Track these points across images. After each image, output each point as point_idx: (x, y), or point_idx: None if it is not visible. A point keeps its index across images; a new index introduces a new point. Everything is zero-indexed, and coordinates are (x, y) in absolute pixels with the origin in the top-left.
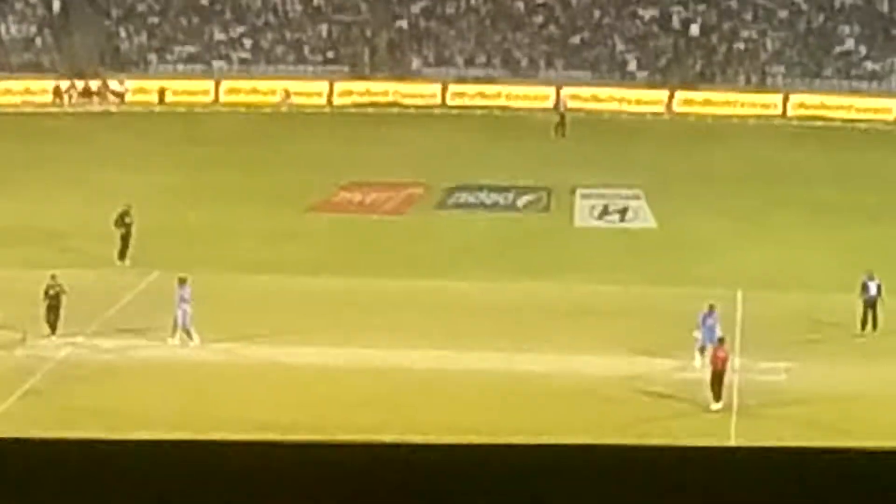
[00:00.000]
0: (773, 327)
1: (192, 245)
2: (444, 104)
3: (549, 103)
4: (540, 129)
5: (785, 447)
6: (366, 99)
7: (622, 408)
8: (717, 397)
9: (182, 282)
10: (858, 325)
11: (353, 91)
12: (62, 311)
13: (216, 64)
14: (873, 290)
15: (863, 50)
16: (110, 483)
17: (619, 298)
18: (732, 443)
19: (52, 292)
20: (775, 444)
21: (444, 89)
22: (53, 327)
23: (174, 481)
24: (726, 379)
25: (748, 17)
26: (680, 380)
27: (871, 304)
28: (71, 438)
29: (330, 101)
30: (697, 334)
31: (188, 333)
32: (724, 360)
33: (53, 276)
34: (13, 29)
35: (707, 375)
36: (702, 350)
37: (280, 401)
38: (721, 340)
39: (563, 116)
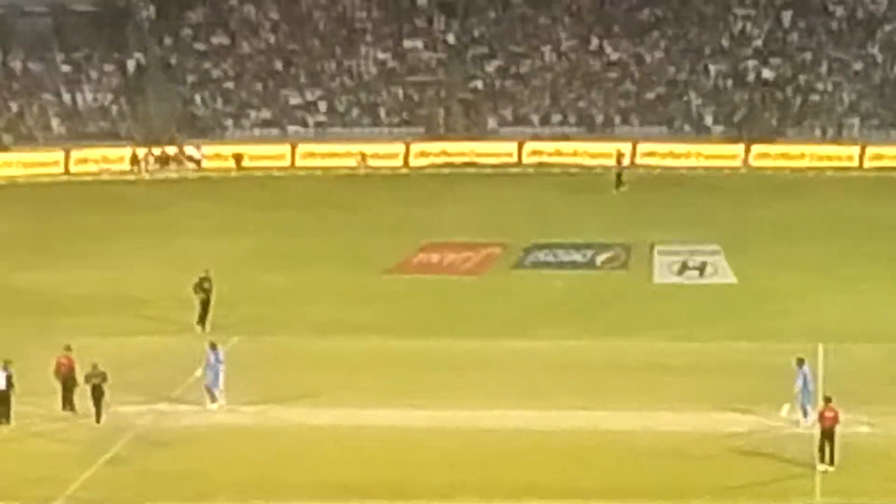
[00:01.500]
0: (854, 380)
1: (272, 309)
2: (520, 163)
3: (626, 160)
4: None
5: None
6: (442, 159)
7: (707, 466)
8: (824, 458)
9: (213, 346)
10: None
11: (429, 152)
12: (105, 396)
13: (292, 128)
14: None
15: None
16: None
17: (701, 355)
18: (818, 500)
19: (94, 381)
20: (861, 501)
21: (520, 148)
22: (97, 415)
23: None
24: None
25: (823, 69)
26: (765, 436)
27: None
28: None
29: (406, 163)
30: (802, 387)
31: (210, 393)
32: (833, 420)
33: (94, 366)
34: (89, 97)
35: (793, 430)
36: (803, 406)
37: (359, 462)
38: (828, 399)
39: (621, 171)
